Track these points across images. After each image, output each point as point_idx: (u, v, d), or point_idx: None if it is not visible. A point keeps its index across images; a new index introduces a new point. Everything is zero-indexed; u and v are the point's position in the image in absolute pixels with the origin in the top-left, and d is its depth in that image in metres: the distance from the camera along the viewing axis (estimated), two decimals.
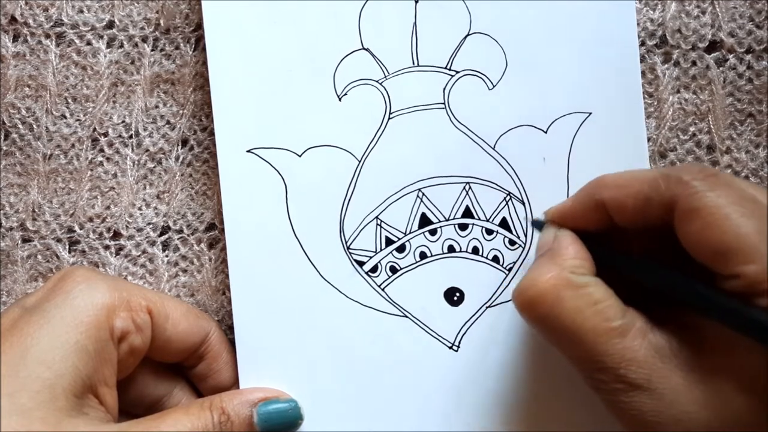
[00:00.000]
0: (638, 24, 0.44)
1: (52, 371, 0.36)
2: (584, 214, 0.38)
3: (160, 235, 0.45)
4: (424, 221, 0.42)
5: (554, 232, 0.39)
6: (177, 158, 0.44)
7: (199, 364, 0.42)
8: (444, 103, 0.42)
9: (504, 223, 0.43)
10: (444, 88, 0.42)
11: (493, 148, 0.42)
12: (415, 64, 0.42)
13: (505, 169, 0.42)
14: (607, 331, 0.34)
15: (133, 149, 0.44)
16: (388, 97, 0.42)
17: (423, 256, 0.42)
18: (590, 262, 0.37)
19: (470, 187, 0.42)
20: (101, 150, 0.44)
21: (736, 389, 0.33)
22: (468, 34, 0.42)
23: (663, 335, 0.34)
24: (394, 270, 0.42)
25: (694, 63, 0.44)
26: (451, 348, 0.42)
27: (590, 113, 0.42)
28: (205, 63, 0.42)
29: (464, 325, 0.42)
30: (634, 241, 0.38)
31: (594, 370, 0.34)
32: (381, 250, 0.42)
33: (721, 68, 0.44)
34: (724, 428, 0.32)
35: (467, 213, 0.42)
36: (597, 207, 0.37)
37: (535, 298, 0.35)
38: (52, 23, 0.44)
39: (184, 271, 0.45)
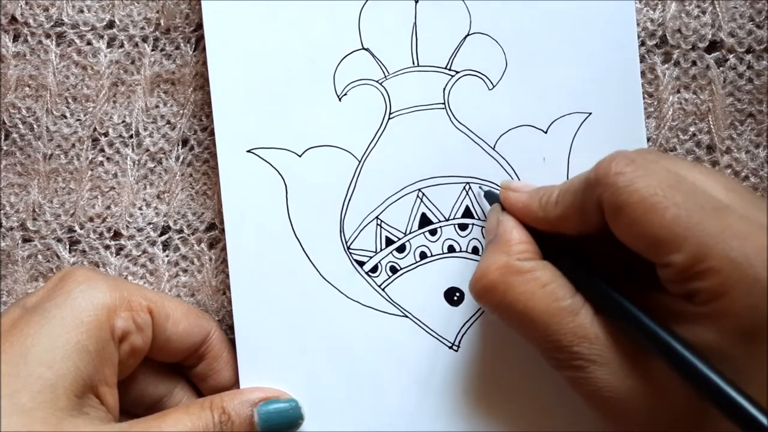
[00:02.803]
0: (638, 24, 0.44)
1: (53, 371, 0.36)
2: (534, 223, 0.39)
3: (161, 235, 0.45)
4: (424, 221, 0.42)
5: (497, 216, 0.40)
6: (177, 158, 0.44)
7: (199, 363, 0.42)
8: (444, 103, 0.42)
9: None
10: (444, 88, 0.42)
11: (493, 148, 0.42)
12: (415, 64, 0.42)
13: (505, 170, 0.42)
14: (559, 311, 0.35)
15: (133, 149, 0.44)
16: (388, 97, 0.42)
17: (423, 256, 0.42)
18: (534, 245, 0.38)
19: (470, 187, 0.42)
20: (101, 150, 0.44)
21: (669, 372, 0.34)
22: (468, 34, 0.42)
23: (606, 318, 0.36)
24: (394, 270, 0.42)
25: (694, 63, 0.45)
26: (451, 348, 0.42)
27: (590, 113, 0.42)
28: (205, 63, 0.42)
29: (464, 324, 0.42)
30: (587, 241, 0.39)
31: (551, 350, 0.36)
32: (381, 250, 0.42)
33: (721, 68, 0.44)
34: (665, 404, 0.34)
35: (467, 213, 0.43)
36: (545, 223, 0.38)
37: (487, 288, 0.37)
38: (52, 23, 0.44)
39: (185, 271, 0.45)
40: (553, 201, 0.37)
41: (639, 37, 0.44)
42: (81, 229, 0.44)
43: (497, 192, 0.41)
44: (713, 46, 0.45)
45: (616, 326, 0.35)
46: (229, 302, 0.43)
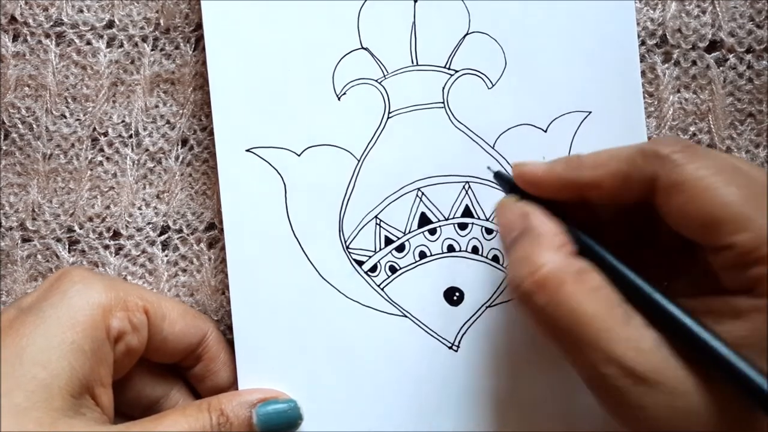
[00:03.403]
0: (638, 23, 0.44)
1: (48, 371, 0.36)
2: (558, 189, 0.36)
3: (160, 234, 0.45)
4: (424, 221, 0.42)
5: (520, 209, 0.36)
6: (177, 158, 0.44)
7: (196, 365, 0.42)
8: (443, 103, 0.42)
9: None
10: (443, 88, 0.42)
11: (493, 147, 0.42)
12: (414, 63, 0.42)
13: (504, 169, 0.42)
14: (613, 316, 0.32)
15: (132, 149, 0.44)
16: (387, 96, 0.42)
17: (422, 255, 0.42)
18: (569, 237, 0.35)
19: (470, 187, 0.42)
20: (101, 150, 0.44)
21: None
22: (467, 33, 0.42)
23: (658, 329, 0.32)
24: (393, 269, 0.42)
25: (694, 62, 0.44)
26: (450, 348, 0.42)
27: (590, 112, 0.42)
28: (204, 63, 0.42)
29: (464, 324, 0.42)
30: (603, 220, 0.36)
31: (599, 362, 0.31)
32: (380, 249, 0.42)
33: (721, 68, 0.44)
34: (729, 420, 0.31)
35: (467, 212, 0.42)
36: (573, 185, 0.35)
37: (537, 286, 0.33)
38: (52, 23, 0.44)
39: (184, 270, 0.45)
40: (590, 164, 0.34)
41: (639, 36, 0.44)
42: (80, 228, 0.44)
43: (508, 174, 0.38)
44: (713, 45, 0.44)
45: (669, 338, 0.32)
46: (228, 302, 0.43)
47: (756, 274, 0.30)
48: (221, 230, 0.44)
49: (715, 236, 0.31)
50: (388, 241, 0.42)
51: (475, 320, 0.42)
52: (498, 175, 0.39)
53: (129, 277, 0.44)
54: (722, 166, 0.32)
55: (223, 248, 0.43)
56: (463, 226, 0.42)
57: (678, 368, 0.31)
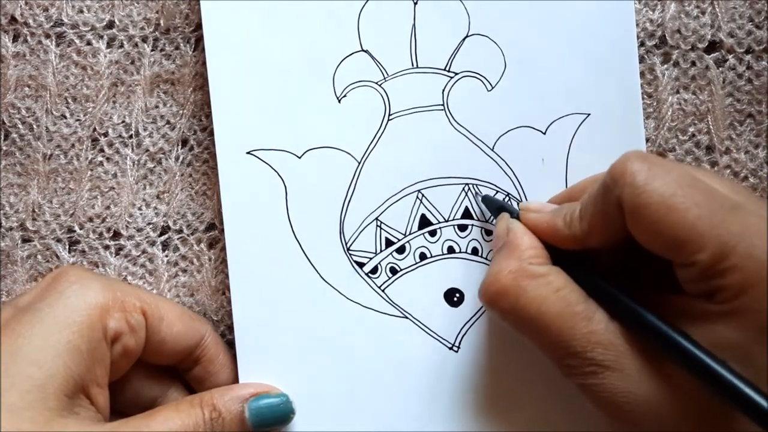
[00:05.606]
0: (637, 24, 0.44)
1: (43, 371, 0.36)
2: (561, 242, 0.38)
3: (160, 235, 0.45)
4: (424, 222, 0.43)
5: (506, 224, 0.39)
6: (177, 158, 0.44)
7: (195, 367, 0.42)
8: (443, 105, 0.42)
9: None
10: (443, 90, 0.42)
11: (492, 149, 0.42)
12: (414, 65, 0.42)
13: (504, 170, 0.42)
14: (572, 315, 0.35)
15: (133, 149, 0.44)
16: (388, 98, 0.42)
17: (423, 257, 0.42)
18: (544, 250, 0.38)
19: (469, 188, 0.42)
20: (101, 150, 0.44)
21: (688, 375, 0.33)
22: (467, 36, 0.42)
23: (619, 323, 0.35)
24: (394, 271, 0.42)
25: (693, 63, 0.45)
26: (451, 349, 0.43)
27: (589, 114, 0.42)
28: (205, 63, 0.42)
29: (464, 325, 0.43)
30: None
31: (563, 356, 0.35)
32: (381, 251, 0.42)
33: (720, 68, 0.44)
34: (685, 407, 0.33)
35: (467, 214, 0.43)
36: (571, 240, 0.37)
37: (499, 293, 0.36)
38: (52, 23, 0.44)
39: (184, 271, 0.45)
40: (578, 217, 0.37)
41: (638, 37, 0.44)
42: (80, 229, 0.44)
43: (494, 197, 0.42)
44: (712, 46, 0.45)
45: (631, 331, 0.35)
46: (229, 302, 0.43)
47: (713, 286, 0.32)
48: (221, 231, 0.44)
49: (679, 255, 0.33)
50: (389, 243, 0.42)
51: (476, 321, 0.43)
52: (485, 200, 0.42)
53: (129, 278, 0.44)
54: (680, 182, 0.33)
55: (223, 249, 0.43)
56: (462, 228, 0.43)
57: (635, 358, 0.34)
